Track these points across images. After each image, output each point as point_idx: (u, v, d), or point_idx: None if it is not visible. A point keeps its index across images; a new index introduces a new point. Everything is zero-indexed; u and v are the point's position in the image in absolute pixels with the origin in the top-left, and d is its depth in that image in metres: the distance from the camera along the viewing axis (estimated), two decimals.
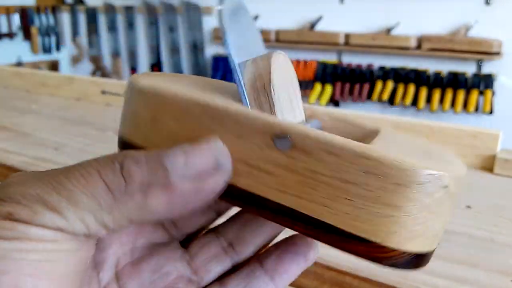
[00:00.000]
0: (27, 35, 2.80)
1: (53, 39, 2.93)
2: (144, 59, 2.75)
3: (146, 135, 0.17)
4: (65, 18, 2.96)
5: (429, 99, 1.84)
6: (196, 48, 2.48)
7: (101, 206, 0.14)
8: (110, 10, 2.76)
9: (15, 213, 0.13)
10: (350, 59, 2.03)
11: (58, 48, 2.96)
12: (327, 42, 2.00)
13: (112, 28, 2.78)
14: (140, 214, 0.14)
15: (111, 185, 0.14)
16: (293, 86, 0.18)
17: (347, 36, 1.97)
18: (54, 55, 2.95)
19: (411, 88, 1.85)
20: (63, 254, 0.14)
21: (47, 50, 2.90)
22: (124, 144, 0.18)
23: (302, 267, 0.19)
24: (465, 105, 1.77)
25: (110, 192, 0.14)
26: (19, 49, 2.77)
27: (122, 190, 0.14)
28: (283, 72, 0.18)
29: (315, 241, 0.18)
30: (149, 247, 0.19)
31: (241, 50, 0.18)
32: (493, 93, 1.72)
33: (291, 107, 0.18)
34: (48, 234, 0.14)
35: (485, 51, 1.68)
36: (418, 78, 1.84)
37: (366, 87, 1.95)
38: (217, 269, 0.19)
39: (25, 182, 0.14)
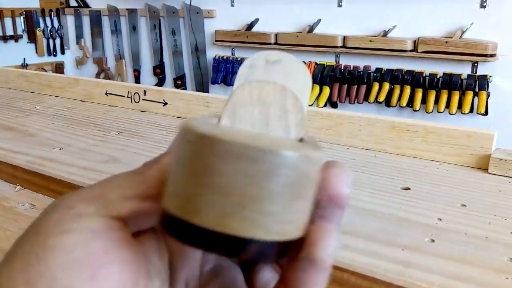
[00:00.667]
0: (32, 38, 2.83)
1: (57, 42, 2.96)
2: (147, 61, 2.78)
3: None
4: (69, 20, 2.99)
5: (424, 100, 1.86)
6: (197, 50, 2.51)
7: (136, 181, 0.18)
8: (113, 13, 2.79)
9: (73, 206, 0.16)
10: (348, 61, 2.04)
11: (62, 50, 2.99)
12: (326, 44, 2.02)
13: (116, 30, 2.81)
14: (162, 171, 0.18)
15: (136, 170, 0.18)
16: (286, 106, 0.19)
17: (345, 38, 1.99)
18: (59, 57, 2.98)
19: (407, 90, 1.87)
20: (117, 243, 0.16)
21: (52, 52, 2.93)
22: None
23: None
24: (460, 106, 1.79)
25: (138, 173, 0.18)
26: (24, 51, 2.80)
27: (142, 169, 0.18)
28: (267, 93, 0.19)
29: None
30: (215, 271, 0.20)
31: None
32: (488, 94, 1.74)
33: (263, 124, 0.18)
34: (101, 223, 0.16)
35: (480, 53, 1.69)
36: (414, 79, 1.85)
37: (363, 88, 1.97)
38: None
39: (72, 192, 0.18)
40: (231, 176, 0.14)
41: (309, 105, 2.09)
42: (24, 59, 2.78)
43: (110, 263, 0.15)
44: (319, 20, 2.08)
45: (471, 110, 1.76)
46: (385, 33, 1.91)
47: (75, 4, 2.96)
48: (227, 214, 0.14)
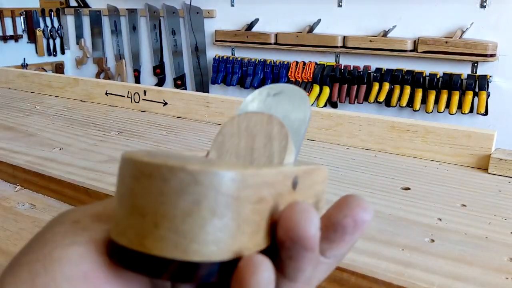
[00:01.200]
0: (32, 38, 2.84)
1: (57, 42, 2.96)
2: (147, 61, 2.78)
3: None
4: (69, 20, 3.00)
5: (424, 100, 1.86)
6: (197, 50, 2.51)
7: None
8: (113, 13, 2.79)
9: (79, 221, 0.17)
10: (348, 61, 2.05)
11: (62, 50, 2.99)
12: (326, 44, 2.02)
13: (116, 31, 2.81)
14: None
15: None
16: (271, 134, 0.19)
17: (345, 38, 1.99)
18: (59, 57, 2.98)
19: (407, 90, 1.87)
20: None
21: (52, 52, 2.94)
22: None
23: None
24: (460, 106, 1.79)
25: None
26: (24, 51, 2.80)
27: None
28: (254, 124, 0.19)
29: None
30: None
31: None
32: (488, 94, 1.74)
33: (248, 153, 0.19)
34: (107, 238, 0.16)
35: (480, 53, 1.70)
36: (414, 79, 1.86)
37: (363, 88, 1.97)
38: None
39: (76, 208, 0.18)
40: (146, 196, 0.14)
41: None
42: (24, 59, 2.79)
43: (114, 278, 0.15)
44: (319, 20, 2.08)
45: (471, 110, 1.77)
46: (385, 33, 1.91)
47: (75, 4, 2.96)
48: (145, 234, 0.14)
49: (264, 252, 0.16)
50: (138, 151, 0.15)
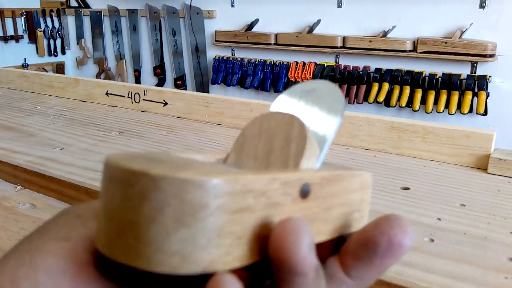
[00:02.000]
0: (33, 38, 2.84)
1: (58, 42, 2.96)
2: (147, 62, 2.78)
3: None
4: (70, 21, 3.00)
5: (424, 101, 1.86)
6: (198, 50, 2.51)
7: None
8: (114, 13, 2.79)
9: (82, 215, 0.17)
10: (348, 62, 2.05)
11: (63, 50, 2.99)
12: (325, 44, 2.02)
13: (116, 31, 2.81)
14: None
15: None
16: (291, 136, 0.18)
17: (345, 39, 1.99)
18: (60, 58, 2.98)
19: (407, 90, 1.88)
20: None
21: (52, 52, 2.94)
22: None
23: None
24: (460, 106, 1.79)
25: None
26: (25, 51, 2.80)
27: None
28: (275, 124, 0.18)
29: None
30: None
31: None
32: (487, 95, 1.74)
33: (265, 156, 0.18)
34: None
35: (479, 54, 1.70)
36: (414, 80, 1.86)
37: (363, 88, 1.97)
38: None
39: (86, 202, 0.18)
40: (114, 201, 0.14)
41: None
42: (25, 59, 2.79)
43: (96, 279, 0.15)
44: (319, 21, 2.09)
45: (471, 110, 1.77)
46: (384, 34, 1.91)
47: (76, 4, 2.96)
48: (113, 240, 0.14)
49: (257, 266, 0.15)
50: (123, 154, 0.15)
